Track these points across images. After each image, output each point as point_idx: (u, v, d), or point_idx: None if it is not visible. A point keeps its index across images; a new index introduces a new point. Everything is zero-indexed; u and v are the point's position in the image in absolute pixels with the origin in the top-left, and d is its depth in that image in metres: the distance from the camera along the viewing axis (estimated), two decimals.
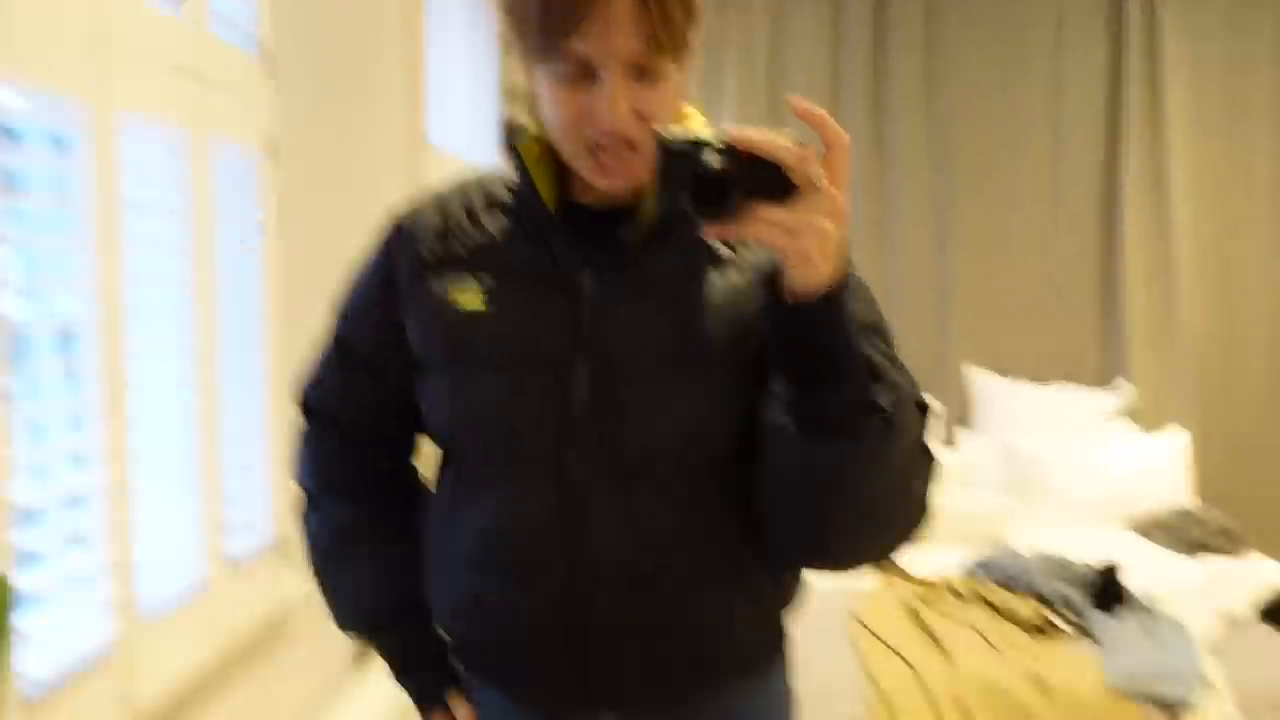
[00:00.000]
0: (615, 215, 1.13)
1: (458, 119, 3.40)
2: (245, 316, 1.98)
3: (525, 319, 1.12)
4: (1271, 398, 4.33)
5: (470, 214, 1.18)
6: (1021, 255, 4.46)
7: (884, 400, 0.97)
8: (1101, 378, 4.43)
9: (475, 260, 1.15)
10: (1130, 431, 4.14)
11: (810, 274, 0.92)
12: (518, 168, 1.16)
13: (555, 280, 1.13)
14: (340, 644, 2.67)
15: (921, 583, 3.04)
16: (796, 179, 0.89)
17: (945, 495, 3.75)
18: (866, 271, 1.12)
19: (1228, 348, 4.35)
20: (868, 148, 4.47)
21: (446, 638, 1.26)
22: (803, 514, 1.06)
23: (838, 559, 1.13)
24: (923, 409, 1.07)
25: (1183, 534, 3.51)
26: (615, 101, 1.03)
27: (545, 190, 1.15)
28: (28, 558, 1.33)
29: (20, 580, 1.28)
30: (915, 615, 2.80)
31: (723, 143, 0.91)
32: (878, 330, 1.09)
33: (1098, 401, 4.28)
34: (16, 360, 1.32)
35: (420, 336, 1.18)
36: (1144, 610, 2.75)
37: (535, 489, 1.12)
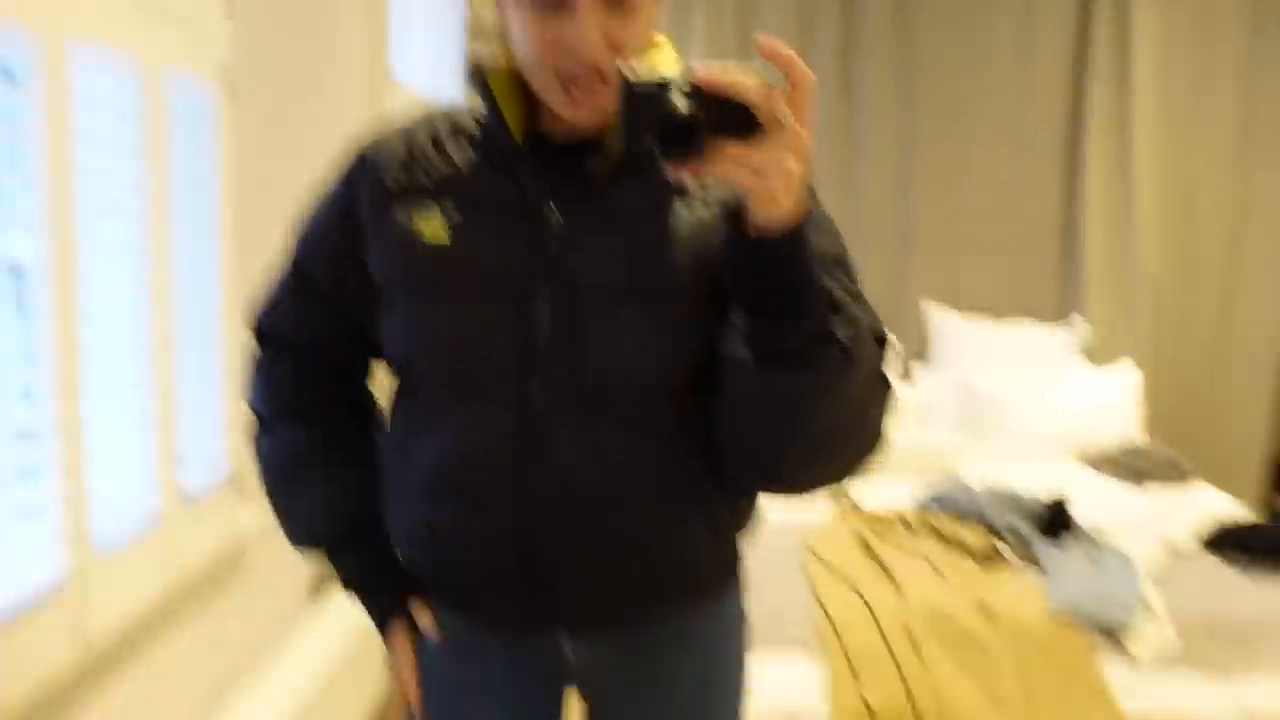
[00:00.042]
0: (582, 148, 1.13)
1: (422, 55, 3.36)
2: (200, 250, 1.97)
3: (490, 249, 1.13)
4: (1220, 336, 4.43)
5: (436, 144, 1.18)
6: (984, 194, 4.50)
7: (842, 332, 0.99)
8: (1059, 314, 4.50)
9: (440, 190, 1.15)
10: (1084, 368, 4.22)
11: (774, 211, 0.93)
12: (485, 99, 1.16)
13: (521, 211, 1.13)
14: (296, 578, 2.69)
15: (873, 516, 3.10)
16: (762, 118, 0.90)
17: (900, 430, 3.83)
18: (831, 209, 1.14)
19: (1181, 287, 4.43)
20: (835, 89, 4.46)
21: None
22: (760, 443, 1.09)
23: (794, 485, 1.16)
24: (881, 341, 1.10)
25: (1130, 467, 3.59)
26: (588, 31, 1.03)
27: (513, 122, 1.14)
28: None
29: None
30: (866, 546, 2.86)
31: (689, 82, 0.90)
32: (840, 263, 1.11)
33: (1054, 338, 4.35)
34: None
35: (383, 267, 1.18)
36: (1089, 540, 2.82)
37: (494, 417, 1.13)
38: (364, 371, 1.33)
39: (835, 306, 1.00)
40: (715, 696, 1.28)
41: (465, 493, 1.16)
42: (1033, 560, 2.78)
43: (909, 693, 2.47)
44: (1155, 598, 2.58)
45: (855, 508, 3.18)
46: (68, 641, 1.54)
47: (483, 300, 1.12)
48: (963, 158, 4.49)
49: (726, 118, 0.90)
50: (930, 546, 2.85)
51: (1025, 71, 4.45)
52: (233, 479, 2.15)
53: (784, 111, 0.90)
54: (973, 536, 2.86)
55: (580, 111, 1.09)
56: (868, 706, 2.45)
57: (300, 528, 1.31)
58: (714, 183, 1.12)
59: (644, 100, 0.91)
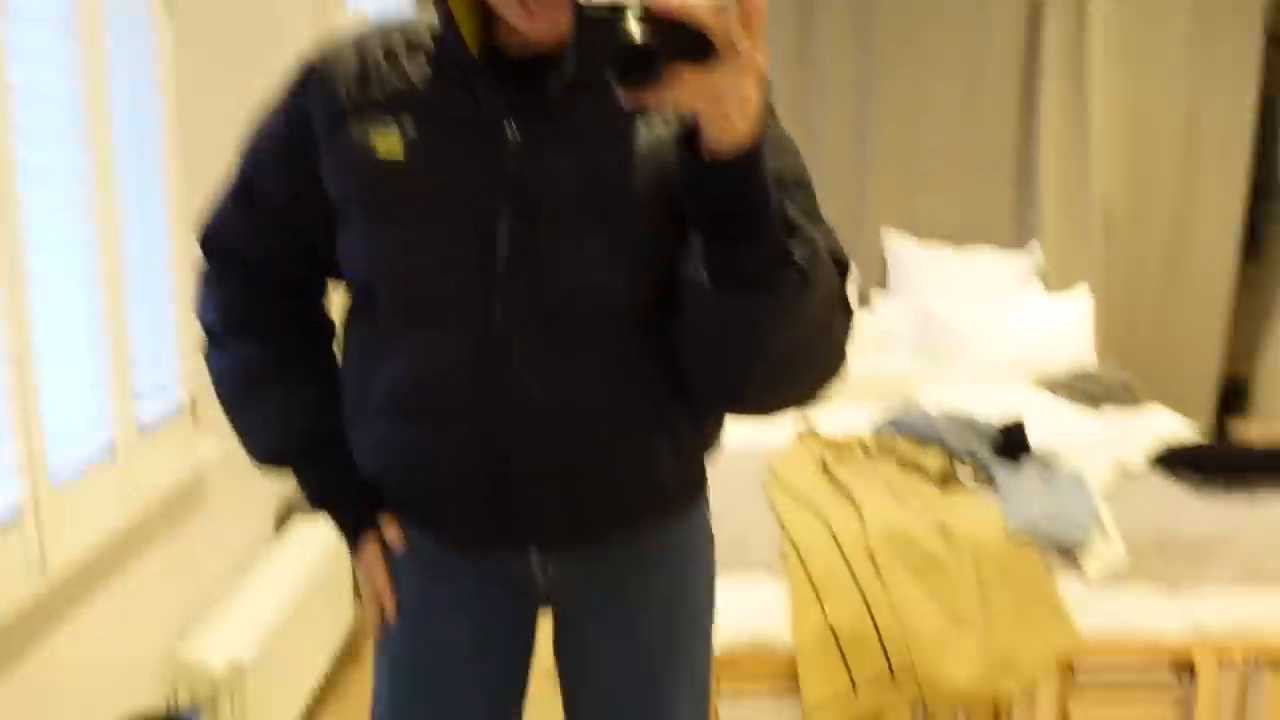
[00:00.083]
0: (539, 64, 1.10)
1: None
2: (145, 173, 1.92)
3: (447, 167, 1.10)
4: (1172, 260, 4.47)
5: (390, 57, 1.14)
6: (941, 123, 4.49)
7: (799, 255, 0.98)
8: (1016, 242, 4.53)
9: (395, 104, 1.12)
10: (1041, 294, 4.26)
11: (728, 134, 0.92)
12: (440, 12, 1.12)
13: (478, 127, 1.10)
14: (261, 509, 2.68)
15: (833, 440, 3.12)
16: (717, 42, 0.88)
17: (859, 357, 3.84)
18: None
19: (1135, 213, 4.46)
20: (790, 16, 4.42)
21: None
22: (721, 366, 1.08)
23: (757, 407, 1.15)
24: (842, 264, 1.09)
25: (1085, 391, 3.64)
26: None
27: (469, 36, 1.11)
28: None
29: None
30: (827, 470, 2.88)
31: (642, 6, 0.88)
32: (800, 183, 1.10)
33: (1011, 265, 4.38)
34: None
35: (337, 183, 1.15)
36: (1044, 462, 2.86)
37: (456, 337, 1.11)
38: (318, 290, 1.31)
39: (792, 229, 0.99)
40: (683, 615, 1.29)
41: (430, 415, 1.15)
42: (990, 482, 2.82)
43: (870, 613, 2.51)
44: (1107, 516, 2.63)
45: (814, 432, 3.20)
46: (25, 571, 1.52)
47: (441, 220, 1.10)
48: (919, 85, 4.46)
49: (681, 43, 0.88)
50: (889, 470, 2.88)
51: (981, 5, 4.43)
52: (189, 409, 2.12)
53: (739, 34, 0.88)
54: (931, 460, 2.89)
55: (537, 25, 1.06)
56: (830, 628, 2.49)
57: (259, 443, 1.29)
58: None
59: (598, 26, 0.88)
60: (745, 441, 3.22)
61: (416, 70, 1.13)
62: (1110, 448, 2.99)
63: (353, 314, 1.23)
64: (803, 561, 2.55)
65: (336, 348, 1.30)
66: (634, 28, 0.87)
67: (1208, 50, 4.40)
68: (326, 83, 1.15)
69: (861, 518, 2.62)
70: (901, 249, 4.47)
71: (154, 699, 2.03)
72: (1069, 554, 2.59)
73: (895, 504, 2.68)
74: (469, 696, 1.26)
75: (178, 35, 2.00)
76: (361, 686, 2.94)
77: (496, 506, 1.17)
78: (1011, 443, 2.91)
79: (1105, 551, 2.58)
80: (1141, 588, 2.60)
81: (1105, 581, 2.59)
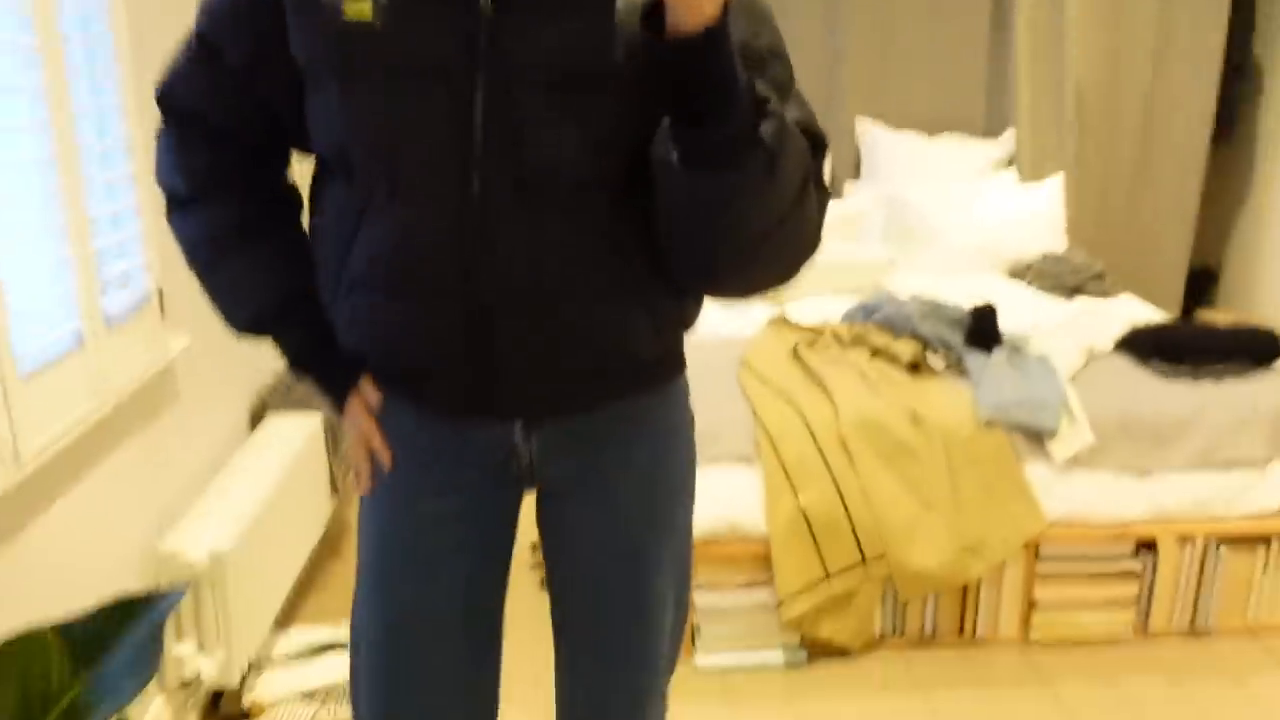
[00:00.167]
0: None
1: None
2: (96, 54, 1.87)
3: (418, 29, 1.07)
4: (1145, 145, 4.46)
5: None
6: (914, 10, 4.41)
7: (767, 132, 0.98)
8: (990, 130, 4.51)
9: None
10: (1014, 182, 4.25)
11: (693, 15, 0.91)
12: None
13: None
14: (234, 404, 2.68)
15: (805, 328, 3.14)
16: None
17: (832, 245, 3.83)
18: None
19: (1108, 97, 4.42)
20: None
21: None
22: (694, 246, 1.08)
23: (733, 287, 1.16)
24: (817, 140, 1.08)
25: (1058, 279, 3.66)
26: None
27: None
28: None
29: None
30: (799, 359, 2.90)
31: None
32: (775, 54, 1.08)
33: (985, 152, 4.36)
34: None
35: (304, 45, 1.12)
36: (1014, 348, 2.89)
37: (436, 209, 1.10)
38: (282, 160, 1.28)
39: (760, 107, 0.98)
40: (663, 490, 1.31)
41: (409, 285, 1.14)
42: (961, 369, 2.85)
43: (842, 498, 2.55)
44: (1075, 401, 2.67)
45: (786, 320, 3.21)
46: None
47: (413, 87, 1.08)
48: None
49: None
50: (861, 358, 2.90)
51: None
52: (156, 300, 2.10)
53: None
54: (902, 347, 2.91)
55: None
56: (803, 513, 2.54)
57: (232, 306, 1.27)
58: None
59: None
60: (718, 330, 3.24)
61: None
62: (1080, 334, 3.01)
63: (323, 185, 1.21)
64: (775, 449, 2.58)
65: (304, 219, 1.29)
66: None
67: None
68: None
69: (834, 405, 2.65)
70: (874, 137, 4.44)
71: (136, 589, 2.05)
72: (1037, 439, 2.64)
73: (867, 391, 2.70)
74: (453, 577, 1.28)
75: None
76: (341, 579, 2.98)
77: (479, 378, 1.17)
78: (982, 327, 2.93)
79: (1073, 436, 2.62)
80: (1106, 471, 2.66)
81: (1071, 465, 2.64)
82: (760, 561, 2.59)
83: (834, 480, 2.56)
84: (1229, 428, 2.66)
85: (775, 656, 2.62)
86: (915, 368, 2.86)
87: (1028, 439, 2.63)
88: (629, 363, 1.22)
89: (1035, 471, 2.64)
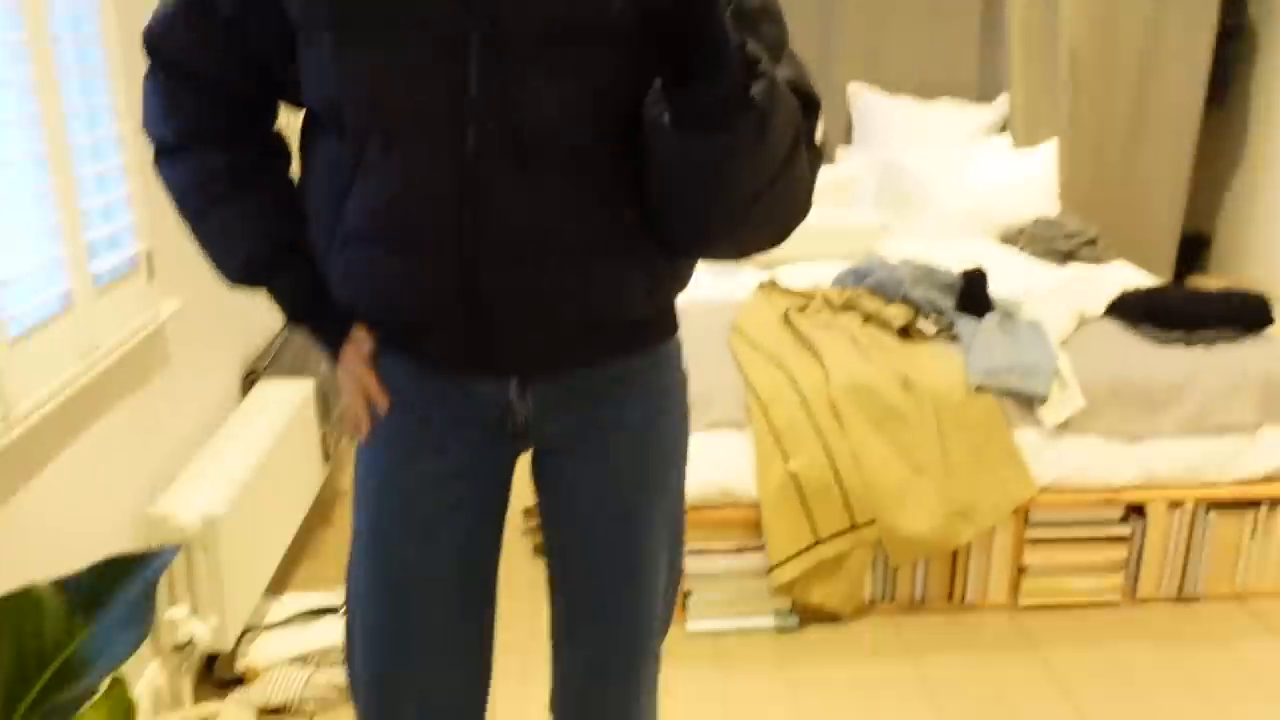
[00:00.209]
0: None
1: None
2: (81, 13, 1.85)
3: None
4: (1139, 109, 4.45)
5: None
6: None
7: (758, 93, 0.97)
8: (983, 95, 4.49)
9: None
10: (1007, 147, 4.24)
11: None
12: None
13: None
14: (225, 370, 2.67)
15: (797, 293, 3.13)
16: None
17: (823, 210, 3.81)
18: None
19: (1102, 61, 4.40)
20: None
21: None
22: (687, 207, 1.08)
23: (725, 247, 1.16)
24: (810, 100, 1.07)
25: (1050, 245, 3.66)
26: None
27: None
28: None
29: None
30: (791, 324, 2.90)
31: None
32: (768, 14, 1.08)
33: (978, 117, 4.35)
34: None
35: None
36: (1006, 313, 2.89)
37: (432, 162, 1.10)
38: (271, 112, 1.27)
39: (751, 67, 0.98)
40: (655, 451, 1.31)
41: (406, 239, 1.14)
42: (952, 334, 2.85)
43: (832, 463, 2.56)
44: (1066, 365, 2.67)
45: (776, 284, 3.21)
46: None
47: (409, 42, 1.07)
48: None
49: None
50: (852, 323, 2.90)
51: None
52: (144, 263, 2.09)
53: None
54: (893, 312, 2.91)
55: None
56: (793, 478, 2.54)
57: (223, 254, 1.26)
58: None
59: None
60: (708, 296, 3.24)
61: None
62: (1072, 299, 3.02)
63: (313, 139, 1.20)
64: (766, 414, 2.59)
65: (292, 170, 1.28)
66: None
67: None
68: None
69: (824, 370, 2.65)
70: (867, 102, 4.42)
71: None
72: (1027, 404, 2.64)
73: (858, 356, 2.71)
74: (451, 535, 1.28)
75: None
76: (333, 546, 2.99)
77: (474, 333, 1.17)
78: (973, 290, 2.93)
79: (1063, 401, 2.63)
80: (1096, 436, 2.67)
81: (1061, 430, 2.65)
82: (751, 527, 2.60)
83: (824, 445, 2.57)
84: (1219, 393, 2.67)
85: (766, 621, 2.64)
86: (906, 333, 2.86)
87: (1018, 404, 2.64)
88: (623, 321, 1.22)
89: (1025, 437, 2.65)
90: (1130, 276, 3.39)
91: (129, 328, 1.99)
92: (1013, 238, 3.81)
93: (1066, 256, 3.63)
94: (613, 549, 1.30)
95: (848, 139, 4.51)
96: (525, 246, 1.12)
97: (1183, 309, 2.88)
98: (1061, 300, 2.98)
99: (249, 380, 2.81)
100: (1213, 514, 2.70)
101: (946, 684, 2.43)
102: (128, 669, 1.94)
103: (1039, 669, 2.48)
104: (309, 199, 1.22)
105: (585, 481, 1.29)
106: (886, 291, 3.02)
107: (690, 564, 2.60)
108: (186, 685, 2.21)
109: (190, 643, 2.10)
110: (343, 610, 1.38)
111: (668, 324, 1.30)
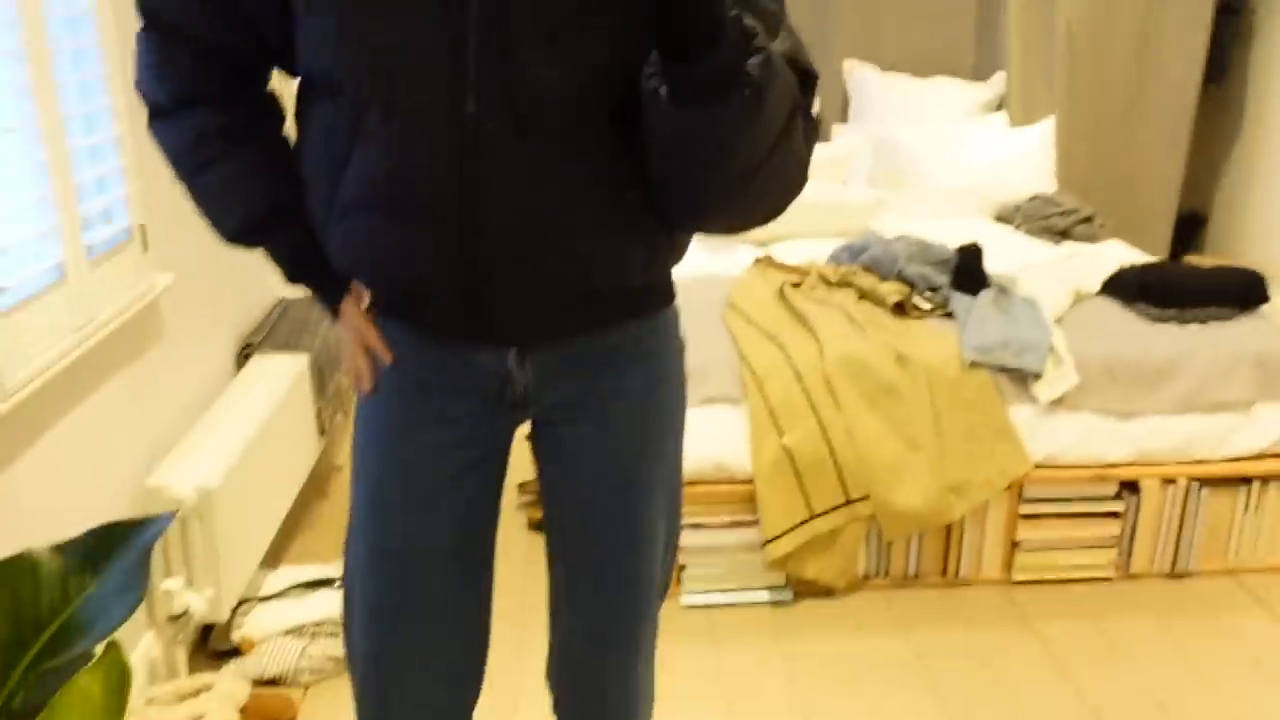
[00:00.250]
0: None
1: None
2: None
3: None
4: (1136, 87, 4.44)
5: None
6: None
7: (753, 66, 0.97)
8: (980, 73, 4.48)
9: None
10: (1004, 125, 4.23)
11: None
12: None
13: None
14: (219, 344, 2.67)
15: (792, 269, 3.13)
16: None
17: (819, 187, 3.80)
18: None
19: (1099, 39, 4.39)
20: None
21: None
22: (684, 180, 1.08)
23: (722, 221, 1.16)
24: (807, 74, 1.07)
25: (1046, 222, 3.66)
26: None
27: None
28: None
29: None
30: (786, 300, 2.90)
31: None
32: None
33: (974, 95, 4.34)
34: None
35: None
36: (1001, 290, 2.89)
37: (431, 131, 1.09)
38: (264, 77, 1.26)
39: (747, 41, 0.98)
40: (654, 418, 1.31)
41: (406, 208, 1.13)
42: (947, 311, 2.85)
43: (827, 438, 2.56)
44: (1061, 342, 2.68)
45: (771, 260, 3.20)
46: None
47: (410, 12, 1.06)
48: None
49: None
50: (847, 299, 2.90)
51: None
52: (138, 235, 2.09)
53: None
54: (888, 288, 2.91)
55: None
56: (788, 453, 2.55)
57: (220, 213, 1.26)
58: None
59: None
60: (704, 272, 3.23)
61: None
62: (1067, 276, 3.02)
63: (308, 105, 1.20)
64: (761, 389, 2.59)
65: (286, 131, 1.27)
66: None
67: None
68: None
69: (819, 345, 2.66)
70: (863, 78, 4.41)
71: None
72: (1022, 380, 2.65)
73: (853, 332, 2.71)
74: (450, 505, 1.28)
75: None
76: (328, 520, 2.99)
77: (474, 302, 1.17)
78: (968, 267, 2.93)
79: (1058, 378, 2.64)
80: (1090, 413, 2.68)
81: (1055, 407, 2.66)
82: (746, 501, 2.61)
83: (819, 420, 2.57)
84: (1213, 370, 2.68)
85: (760, 596, 2.65)
86: (901, 309, 2.86)
87: (1012, 380, 2.65)
88: (621, 290, 1.22)
89: (1020, 413, 2.66)
90: (1125, 256, 3.39)
91: (123, 300, 1.99)
92: (1008, 215, 3.81)
93: (1062, 234, 3.62)
94: (612, 517, 1.31)
95: (844, 116, 4.49)
96: (525, 216, 1.12)
97: (1177, 286, 2.88)
98: (1057, 277, 2.99)
99: (243, 354, 2.80)
100: (1205, 490, 2.71)
101: (940, 658, 2.44)
102: (124, 639, 1.95)
103: (1032, 644, 2.49)
104: (305, 165, 1.21)
105: (585, 450, 1.29)
106: (881, 268, 3.02)
107: (685, 538, 2.61)
108: (182, 656, 2.21)
109: (186, 614, 2.10)
110: (340, 582, 1.38)
111: (665, 292, 1.30)
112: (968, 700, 2.29)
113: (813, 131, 1.12)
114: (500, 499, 1.35)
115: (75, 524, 1.86)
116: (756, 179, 1.08)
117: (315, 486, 3.18)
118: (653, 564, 1.35)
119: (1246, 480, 2.72)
